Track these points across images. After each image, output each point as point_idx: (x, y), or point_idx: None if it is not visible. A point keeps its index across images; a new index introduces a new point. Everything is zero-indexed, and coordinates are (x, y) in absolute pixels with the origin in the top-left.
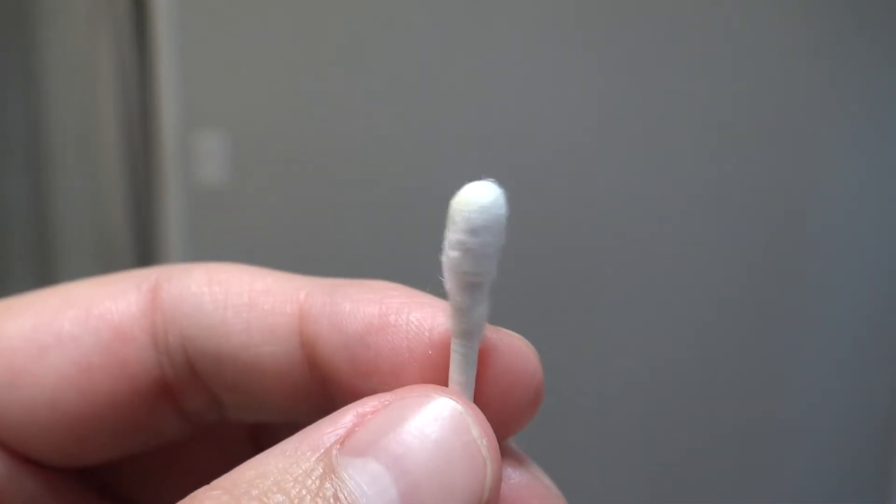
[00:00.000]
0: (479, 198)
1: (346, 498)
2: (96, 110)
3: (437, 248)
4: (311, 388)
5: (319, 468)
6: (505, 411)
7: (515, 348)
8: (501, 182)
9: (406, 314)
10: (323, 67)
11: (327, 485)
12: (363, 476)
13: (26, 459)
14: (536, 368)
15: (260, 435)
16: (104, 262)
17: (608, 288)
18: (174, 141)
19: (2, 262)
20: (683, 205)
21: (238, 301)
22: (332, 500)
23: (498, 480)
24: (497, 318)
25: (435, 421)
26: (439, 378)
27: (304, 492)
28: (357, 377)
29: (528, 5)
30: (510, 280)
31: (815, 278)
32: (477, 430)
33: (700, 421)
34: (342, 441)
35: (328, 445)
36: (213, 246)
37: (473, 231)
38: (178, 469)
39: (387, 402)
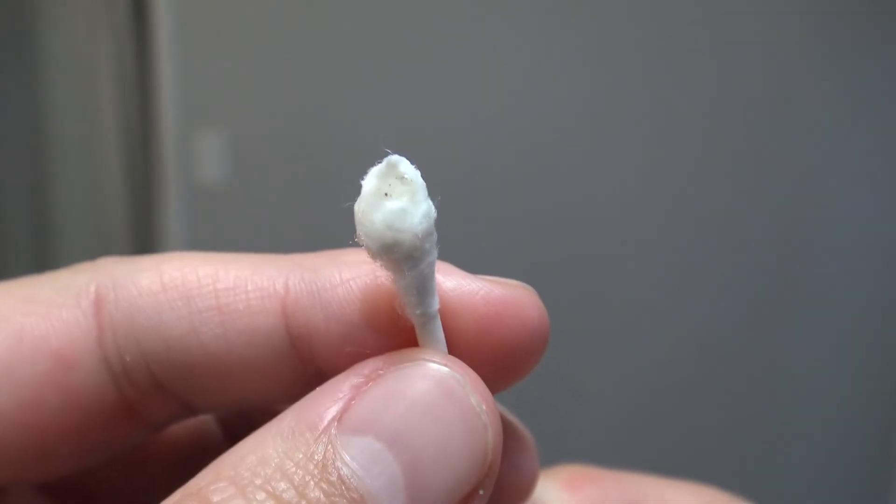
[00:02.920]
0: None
1: (349, 480)
2: (96, 110)
3: (440, 247)
4: (298, 374)
5: (320, 451)
6: (499, 363)
7: (509, 299)
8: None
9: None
10: (323, 67)
11: (330, 468)
12: (364, 456)
13: None
14: (530, 316)
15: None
16: None
17: (608, 290)
18: (174, 141)
19: (1, 262)
20: (683, 206)
21: (204, 305)
22: (336, 485)
23: (499, 444)
24: None
25: (431, 391)
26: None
27: (307, 478)
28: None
29: (528, 7)
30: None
31: (816, 279)
32: (475, 397)
33: (700, 422)
34: (339, 417)
35: (326, 423)
36: (212, 246)
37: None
38: (146, 455)
39: (380, 371)
